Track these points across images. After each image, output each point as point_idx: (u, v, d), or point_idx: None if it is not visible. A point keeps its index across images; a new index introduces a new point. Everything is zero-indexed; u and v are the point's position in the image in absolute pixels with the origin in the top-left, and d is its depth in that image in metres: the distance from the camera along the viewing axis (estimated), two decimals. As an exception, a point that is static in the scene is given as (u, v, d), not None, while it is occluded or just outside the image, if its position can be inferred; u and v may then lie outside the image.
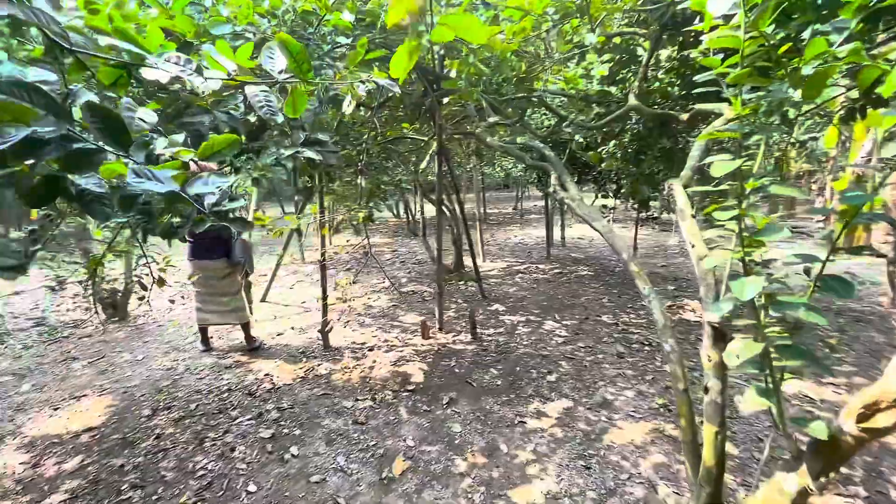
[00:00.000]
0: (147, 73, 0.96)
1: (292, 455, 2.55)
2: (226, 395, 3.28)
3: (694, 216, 1.93)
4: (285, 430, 2.80)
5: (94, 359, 4.06)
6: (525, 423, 2.80)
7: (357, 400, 3.13)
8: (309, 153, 1.80)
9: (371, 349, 4.03)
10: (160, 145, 0.94)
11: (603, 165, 3.02)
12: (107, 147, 0.83)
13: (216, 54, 1.00)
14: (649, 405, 2.96)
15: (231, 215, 1.01)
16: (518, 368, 3.53)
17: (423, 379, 3.42)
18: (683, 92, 3.50)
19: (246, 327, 4.06)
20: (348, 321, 4.79)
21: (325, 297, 4.03)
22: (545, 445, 2.58)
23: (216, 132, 1.54)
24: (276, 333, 4.53)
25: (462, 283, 6.23)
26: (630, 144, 4.31)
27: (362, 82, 1.09)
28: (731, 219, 1.17)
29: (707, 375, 1.59)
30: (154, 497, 2.27)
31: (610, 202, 6.24)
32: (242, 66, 1.05)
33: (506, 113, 2.76)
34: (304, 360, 3.85)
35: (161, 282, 2.52)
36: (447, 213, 6.67)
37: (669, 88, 3.58)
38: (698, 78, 1.31)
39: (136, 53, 0.91)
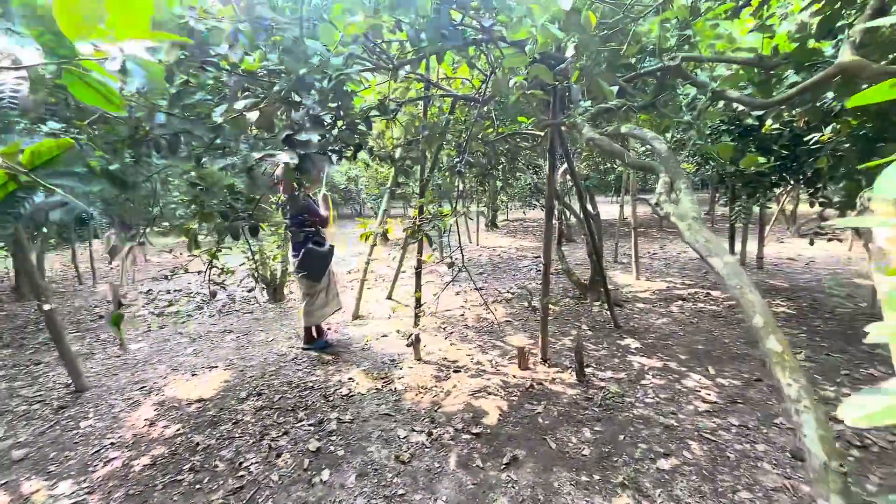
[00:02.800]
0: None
1: (321, 480, 2.38)
2: (306, 392, 3.37)
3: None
4: (331, 448, 2.66)
5: (242, 334, 4.77)
6: (597, 526, 2.00)
7: (413, 431, 2.80)
8: (283, 156, 1.52)
9: (458, 370, 3.63)
10: None
11: (741, 164, 1.87)
12: None
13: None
14: (828, 563, 1.77)
15: None
16: (622, 437, 2.64)
17: (496, 422, 2.85)
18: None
19: (307, 330, 4.21)
20: (451, 332, 4.49)
21: (418, 306, 3.82)
22: (615, 573, 1.77)
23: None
24: (381, 335, 4.55)
25: (600, 303, 5.25)
26: (858, 128, 2.77)
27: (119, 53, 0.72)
28: None
29: None
30: (197, 486, 2.39)
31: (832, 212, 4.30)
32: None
33: (605, 93, 1.95)
34: (390, 369, 3.71)
35: (271, 276, 2.66)
36: (585, 220, 5.71)
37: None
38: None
39: None
